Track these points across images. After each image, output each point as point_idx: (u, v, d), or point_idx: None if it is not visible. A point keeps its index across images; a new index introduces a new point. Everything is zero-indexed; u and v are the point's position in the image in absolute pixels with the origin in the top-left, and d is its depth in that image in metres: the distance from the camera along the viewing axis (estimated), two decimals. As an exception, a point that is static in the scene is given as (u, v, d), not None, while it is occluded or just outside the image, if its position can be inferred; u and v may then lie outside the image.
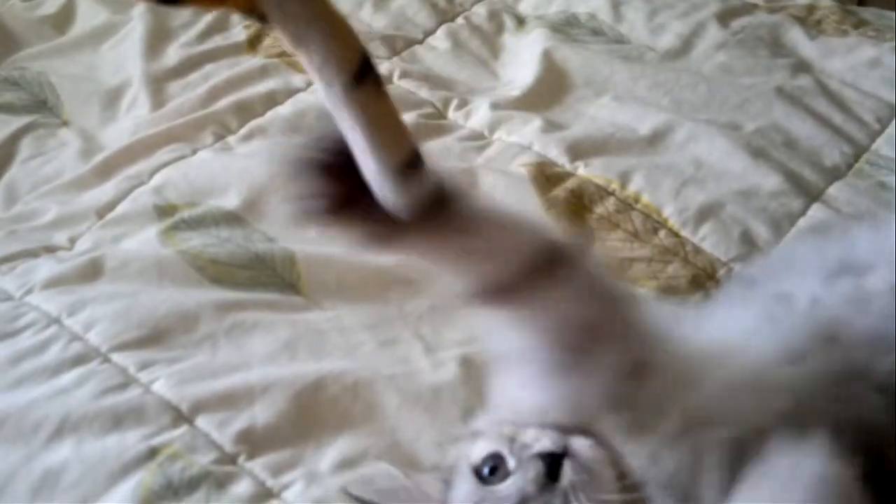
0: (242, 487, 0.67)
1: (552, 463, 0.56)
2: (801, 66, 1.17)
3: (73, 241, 0.92)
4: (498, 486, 0.57)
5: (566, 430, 0.59)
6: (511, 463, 0.58)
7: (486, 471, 0.58)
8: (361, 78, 0.50)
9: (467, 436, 0.63)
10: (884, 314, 0.65)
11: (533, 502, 0.56)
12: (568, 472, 0.56)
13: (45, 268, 0.87)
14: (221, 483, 0.67)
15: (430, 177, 0.52)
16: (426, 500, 0.60)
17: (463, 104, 1.11)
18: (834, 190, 0.98)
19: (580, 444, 0.58)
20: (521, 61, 1.19)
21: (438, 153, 1.02)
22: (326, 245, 0.92)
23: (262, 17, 0.51)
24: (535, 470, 0.56)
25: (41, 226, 0.94)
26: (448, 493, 0.60)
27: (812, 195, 0.97)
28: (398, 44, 1.23)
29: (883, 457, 0.60)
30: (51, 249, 0.91)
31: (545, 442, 0.58)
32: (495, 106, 1.10)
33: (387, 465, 0.65)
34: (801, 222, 0.94)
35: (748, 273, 0.85)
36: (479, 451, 0.60)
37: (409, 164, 0.51)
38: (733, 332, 0.65)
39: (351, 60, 0.49)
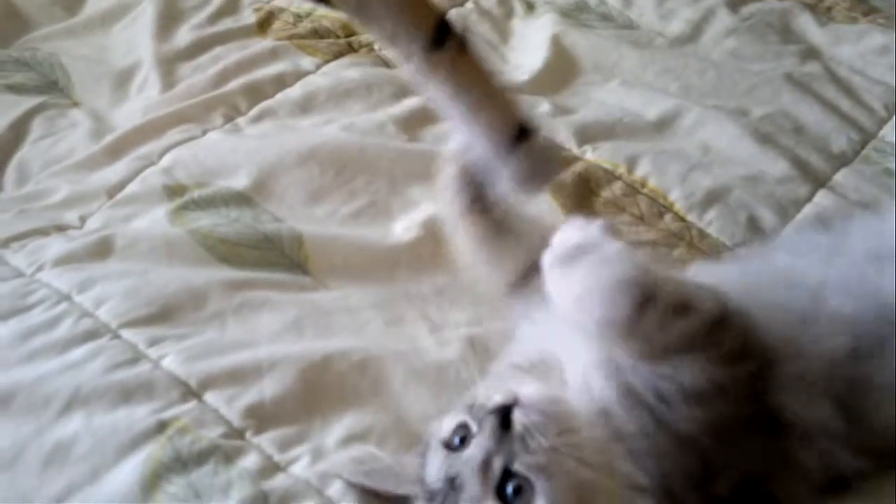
0: (250, 461, 0.68)
1: (503, 414, 0.58)
2: (811, 53, 1.17)
3: (83, 220, 0.93)
4: (464, 452, 0.59)
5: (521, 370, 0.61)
6: (474, 427, 0.60)
7: (456, 441, 0.60)
8: (441, 42, 0.46)
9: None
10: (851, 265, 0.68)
11: (496, 455, 0.58)
12: (519, 417, 0.58)
13: (56, 246, 0.88)
14: (229, 457, 0.68)
15: (549, 146, 0.48)
16: (408, 480, 0.62)
17: (471, 88, 1.12)
18: (840, 176, 0.98)
19: (528, 390, 0.60)
20: (530, 46, 1.19)
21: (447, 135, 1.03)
22: (334, 226, 0.93)
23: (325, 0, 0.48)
24: (489, 425, 0.58)
25: (52, 205, 0.95)
26: (423, 470, 0.61)
27: (818, 181, 0.98)
28: (407, 28, 1.24)
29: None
30: (61, 228, 0.92)
31: (495, 397, 0.60)
32: (504, 90, 1.10)
33: (371, 448, 0.67)
34: (807, 208, 0.94)
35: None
36: (446, 425, 0.62)
37: (519, 135, 0.47)
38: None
39: (424, 25, 0.45)
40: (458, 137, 0.54)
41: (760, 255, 0.75)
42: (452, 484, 0.58)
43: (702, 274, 0.72)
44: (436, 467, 0.60)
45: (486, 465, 0.58)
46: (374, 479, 0.63)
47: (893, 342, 0.63)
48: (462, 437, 0.60)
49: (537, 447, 0.57)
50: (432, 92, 0.47)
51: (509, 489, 0.57)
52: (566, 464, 0.57)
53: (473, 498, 0.57)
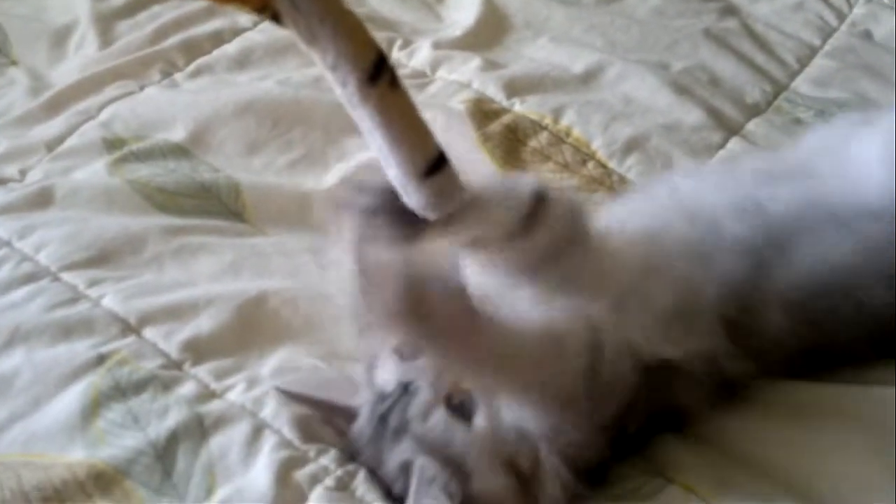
0: (187, 389, 0.71)
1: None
2: (729, 10, 1.22)
3: (23, 173, 0.95)
4: (419, 360, 0.63)
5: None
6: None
7: (407, 351, 0.63)
8: (376, 76, 0.50)
9: None
10: (743, 189, 0.73)
11: None
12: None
13: (-4, 197, 0.90)
14: (167, 385, 0.71)
15: (457, 178, 0.53)
16: (351, 387, 0.66)
17: (406, 44, 1.15)
18: (752, 125, 1.04)
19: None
20: (464, 4, 1.23)
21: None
22: (271, 176, 0.96)
23: (274, 16, 0.51)
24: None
25: (-9, 159, 0.96)
26: (373, 374, 0.65)
27: (732, 129, 1.03)
28: (344, -13, 1.26)
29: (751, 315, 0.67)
30: (1, 181, 0.93)
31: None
32: (437, 46, 1.14)
33: (315, 361, 0.70)
34: (721, 153, 0.99)
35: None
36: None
37: (431, 167, 0.51)
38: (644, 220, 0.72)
39: (364, 59, 0.50)
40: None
41: (662, 186, 0.80)
42: (406, 389, 0.62)
43: (612, 212, 0.77)
44: (390, 371, 0.63)
45: (441, 374, 0.61)
46: (314, 390, 0.67)
47: (784, 259, 0.68)
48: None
49: None
50: (360, 119, 0.51)
51: (457, 400, 0.61)
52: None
53: (425, 404, 0.61)
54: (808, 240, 0.69)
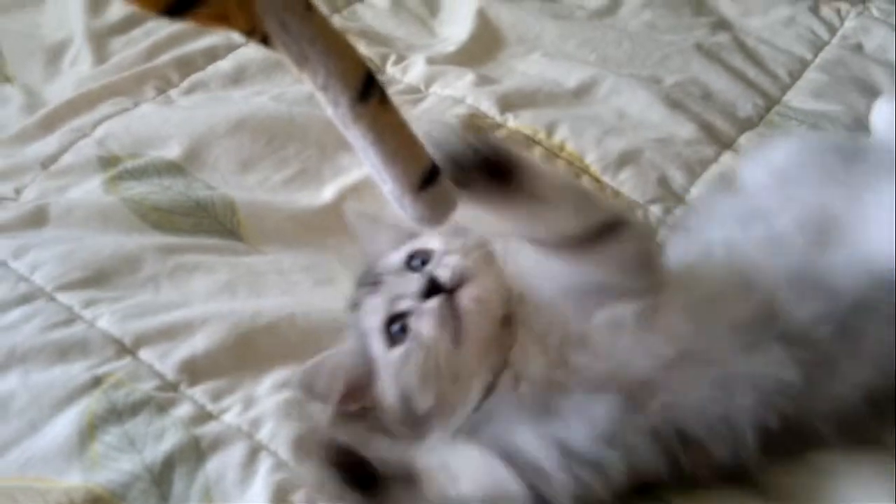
0: (183, 410, 0.71)
1: (431, 287, 0.69)
2: (721, 24, 1.23)
3: (18, 191, 0.95)
4: (404, 275, 0.71)
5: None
6: (429, 266, 0.71)
7: (417, 262, 0.72)
8: (366, 95, 0.51)
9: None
10: (798, 255, 0.70)
11: (405, 301, 0.69)
12: (432, 304, 0.68)
13: (-9, 216, 0.90)
14: (163, 407, 0.71)
15: (449, 189, 0.55)
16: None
17: (400, 59, 1.15)
18: (744, 139, 1.05)
19: (470, 294, 0.68)
20: (458, 19, 1.23)
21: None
22: (266, 193, 0.96)
23: (264, 39, 0.52)
24: (422, 282, 0.69)
25: (-14, 177, 0.97)
26: (381, 247, 0.75)
27: (724, 143, 1.04)
28: (339, 2, 1.27)
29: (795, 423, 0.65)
30: (-4, 199, 0.94)
31: (446, 271, 0.69)
32: (431, 61, 1.14)
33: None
34: (713, 168, 1.00)
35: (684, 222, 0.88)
36: (424, 243, 0.73)
37: (425, 180, 0.53)
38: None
39: (354, 78, 0.51)
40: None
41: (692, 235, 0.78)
42: (375, 283, 0.72)
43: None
44: (391, 260, 0.73)
45: (396, 299, 0.70)
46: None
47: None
48: (424, 260, 0.71)
49: (427, 331, 0.68)
50: (353, 137, 0.53)
51: (395, 327, 0.70)
52: (430, 359, 0.68)
53: (375, 306, 0.71)
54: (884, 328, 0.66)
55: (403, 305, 0.69)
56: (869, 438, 0.67)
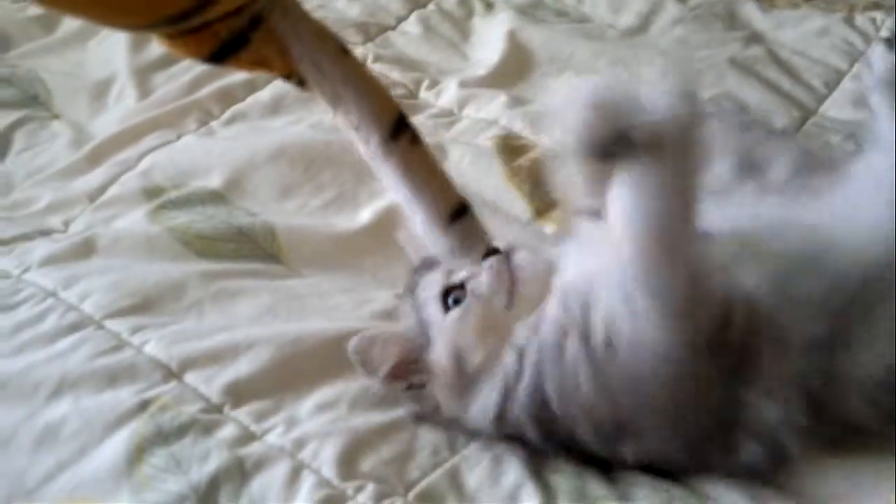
0: (227, 432, 0.73)
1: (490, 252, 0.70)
2: (754, 38, 1.23)
3: (66, 224, 0.98)
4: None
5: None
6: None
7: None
8: (397, 134, 0.55)
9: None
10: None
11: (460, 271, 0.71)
12: (494, 263, 0.70)
13: (41, 248, 0.93)
14: (208, 429, 0.73)
15: (479, 223, 0.58)
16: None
17: (433, 84, 1.17)
18: (781, 151, 1.04)
19: (522, 254, 0.71)
20: (489, 42, 1.25)
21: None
22: (305, 218, 0.98)
23: (301, 82, 0.56)
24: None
25: (36, 212, 1.00)
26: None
27: (761, 156, 1.03)
28: (372, 30, 1.29)
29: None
30: (46, 233, 0.97)
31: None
32: (463, 84, 1.16)
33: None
34: (750, 181, 0.99)
35: None
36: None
37: (454, 215, 0.57)
38: None
39: (386, 118, 0.55)
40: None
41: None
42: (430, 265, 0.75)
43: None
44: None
45: (451, 272, 0.72)
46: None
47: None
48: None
49: (483, 284, 0.70)
50: (384, 173, 0.56)
51: (451, 299, 0.72)
52: (486, 310, 0.70)
53: (432, 281, 0.74)
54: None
55: (460, 276, 0.72)
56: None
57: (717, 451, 0.66)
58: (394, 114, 0.55)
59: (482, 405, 0.70)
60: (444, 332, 0.72)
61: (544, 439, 0.68)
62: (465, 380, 0.70)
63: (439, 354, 0.72)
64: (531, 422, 0.68)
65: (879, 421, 0.67)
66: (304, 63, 0.55)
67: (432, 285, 0.74)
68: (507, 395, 0.68)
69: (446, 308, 0.72)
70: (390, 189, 0.57)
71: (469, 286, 0.71)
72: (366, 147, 0.56)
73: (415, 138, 0.56)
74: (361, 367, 0.74)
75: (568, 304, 0.67)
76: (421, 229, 0.58)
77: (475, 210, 0.59)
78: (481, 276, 0.70)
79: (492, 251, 0.70)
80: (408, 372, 0.73)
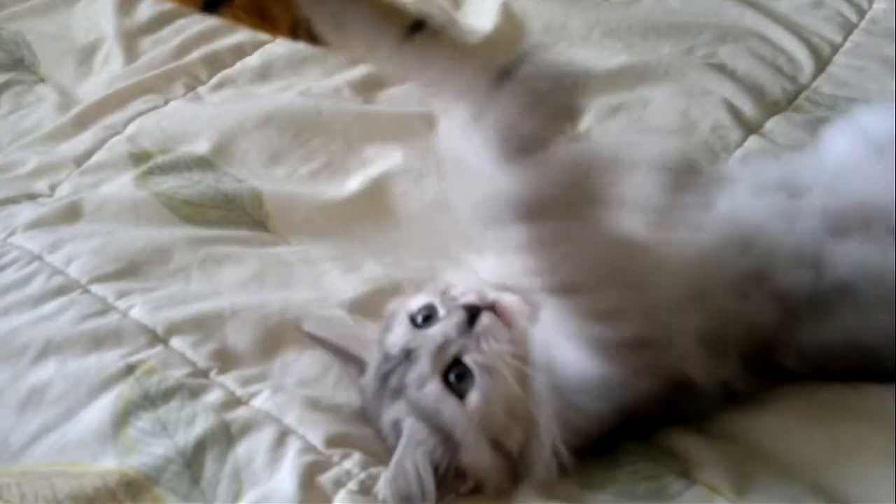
0: (214, 396, 0.73)
1: (472, 313, 0.65)
2: (748, 8, 1.22)
3: (52, 188, 0.97)
4: (426, 331, 0.66)
5: (499, 287, 0.67)
6: (441, 312, 0.67)
7: (420, 319, 0.68)
8: (414, 32, 0.52)
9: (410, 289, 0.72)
10: (809, 234, 0.71)
11: (452, 343, 0.65)
12: (485, 321, 0.65)
13: (27, 212, 0.92)
14: (194, 393, 0.73)
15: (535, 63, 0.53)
16: (368, 344, 0.70)
17: (424, 52, 1.16)
18: (772, 124, 1.04)
19: (508, 300, 0.66)
20: (482, 11, 1.24)
21: (401, 99, 1.08)
22: (293, 185, 0.98)
23: (308, 36, 0.54)
24: (457, 317, 0.66)
25: (22, 175, 0.99)
26: (385, 335, 0.68)
27: (751, 128, 1.03)
28: (363, -3, 1.28)
29: (767, 352, 0.67)
30: (32, 196, 0.96)
31: (470, 296, 0.67)
32: (455, 53, 1.14)
33: (342, 314, 0.75)
34: (738, 152, 0.99)
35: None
36: (416, 302, 0.69)
37: (501, 75, 0.52)
38: None
39: (398, 24, 0.52)
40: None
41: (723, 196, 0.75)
42: (408, 355, 0.66)
43: None
44: (398, 335, 0.68)
45: (442, 348, 0.65)
46: (337, 337, 0.72)
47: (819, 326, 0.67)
48: (427, 316, 0.67)
49: (489, 350, 0.64)
50: (412, 77, 0.56)
51: (452, 376, 0.64)
52: (506, 374, 0.64)
53: (422, 374, 0.65)
54: (851, 312, 0.68)
55: (452, 350, 0.65)
56: None
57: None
58: (408, 19, 0.53)
59: (544, 467, 0.63)
60: (472, 427, 0.63)
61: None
62: (513, 463, 0.64)
63: (475, 457, 0.64)
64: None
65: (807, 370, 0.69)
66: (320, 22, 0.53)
67: (421, 385, 0.65)
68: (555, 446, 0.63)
69: (456, 392, 0.64)
70: (424, 90, 0.57)
71: (471, 362, 0.64)
72: (386, 61, 0.54)
73: (435, 32, 0.53)
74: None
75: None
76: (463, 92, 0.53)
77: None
78: (483, 343, 0.64)
79: (472, 308, 0.65)
80: (456, 479, 0.64)
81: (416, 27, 0.53)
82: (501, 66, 0.54)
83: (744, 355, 0.67)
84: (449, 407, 0.64)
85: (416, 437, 0.64)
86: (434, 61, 0.54)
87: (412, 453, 0.64)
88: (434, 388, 0.64)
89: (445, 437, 0.64)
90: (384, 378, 0.67)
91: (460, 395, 0.64)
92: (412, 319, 0.68)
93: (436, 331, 0.66)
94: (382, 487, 0.64)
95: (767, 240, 0.70)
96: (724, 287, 0.67)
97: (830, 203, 0.72)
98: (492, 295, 0.67)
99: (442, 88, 0.55)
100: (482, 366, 0.64)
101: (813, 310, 0.68)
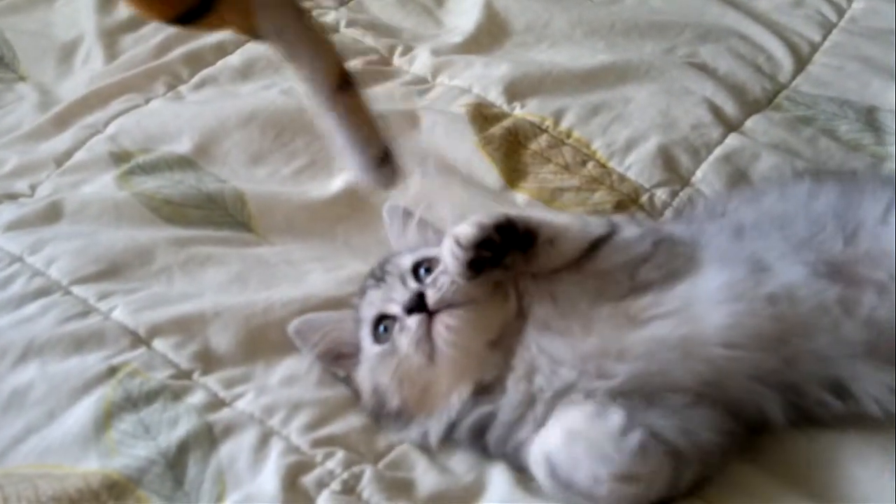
0: (197, 398, 0.73)
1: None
2: (730, 8, 1.22)
3: (33, 188, 0.97)
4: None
5: None
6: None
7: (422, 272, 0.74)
8: (342, 87, 0.62)
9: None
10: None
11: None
12: None
13: (7, 213, 0.92)
14: (177, 395, 0.73)
15: (399, 166, 0.65)
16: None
17: (407, 50, 1.16)
18: (751, 122, 1.04)
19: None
20: (464, 9, 1.24)
21: (383, 97, 1.07)
22: (276, 185, 0.97)
23: (258, 37, 0.62)
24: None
25: (2, 175, 0.98)
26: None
27: (731, 126, 1.03)
28: (345, -6, 1.28)
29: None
30: (12, 196, 0.95)
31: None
32: (437, 52, 1.15)
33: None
34: (718, 150, 1.00)
35: (735, 217, 0.81)
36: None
37: (382, 159, 0.64)
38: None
39: (333, 74, 0.62)
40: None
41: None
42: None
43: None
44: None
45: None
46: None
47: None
48: (428, 268, 0.74)
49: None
50: (328, 120, 0.64)
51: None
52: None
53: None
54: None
55: (393, 310, 0.73)
56: None
57: None
58: (340, 71, 0.62)
59: (415, 435, 0.71)
60: (367, 363, 0.73)
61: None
62: (384, 413, 0.72)
63: (362, 378, 0.74)
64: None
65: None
66: (264, 25, 0.60)
67: (371, 306, 0.75)
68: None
69: (375, 337, 0.73)
70: (333, 132, 0.64)
71: (393, 336, 0.72)
72: (316, 97, 0.63)
73: (356, 93, 0.63)
74: (298, 343, 0.77)
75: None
76: (355, 165, 0.64)
77: (396, 156, 0.65)
78: (402, 334, 0.71)
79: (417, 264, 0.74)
80: (340, 364, 0.76)
81: (345, 81, 0.62)
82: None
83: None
84: (365, 336, 0.75)
85: (351, 323, 0.77)
86: (347, 115, 0.64)
87: (337, 323, 0.77)
88: (368, 315, 0.75)
89: (356, 346, 0.75)
90: (371, 271, 0.79)
91: (376, 340, 0.74)
92: (417, 264, 0.75)
93: (399, 287, 0.75)
94: (295, 321, 0.78)
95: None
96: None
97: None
98: (446, 306, 0.71)
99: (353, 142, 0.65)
100: (394, 344, 0.72)
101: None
